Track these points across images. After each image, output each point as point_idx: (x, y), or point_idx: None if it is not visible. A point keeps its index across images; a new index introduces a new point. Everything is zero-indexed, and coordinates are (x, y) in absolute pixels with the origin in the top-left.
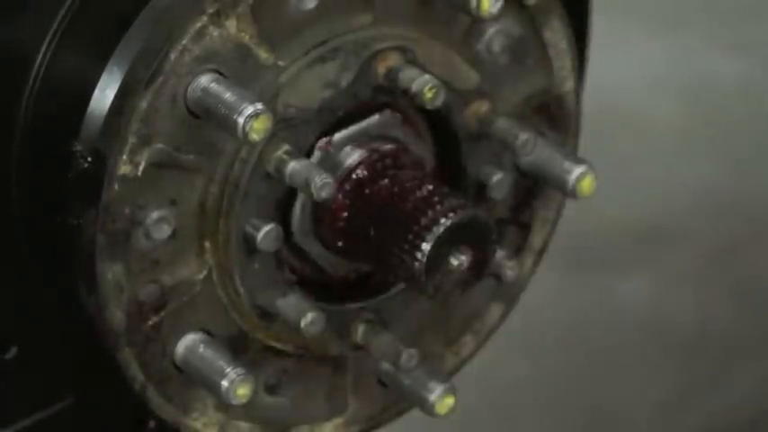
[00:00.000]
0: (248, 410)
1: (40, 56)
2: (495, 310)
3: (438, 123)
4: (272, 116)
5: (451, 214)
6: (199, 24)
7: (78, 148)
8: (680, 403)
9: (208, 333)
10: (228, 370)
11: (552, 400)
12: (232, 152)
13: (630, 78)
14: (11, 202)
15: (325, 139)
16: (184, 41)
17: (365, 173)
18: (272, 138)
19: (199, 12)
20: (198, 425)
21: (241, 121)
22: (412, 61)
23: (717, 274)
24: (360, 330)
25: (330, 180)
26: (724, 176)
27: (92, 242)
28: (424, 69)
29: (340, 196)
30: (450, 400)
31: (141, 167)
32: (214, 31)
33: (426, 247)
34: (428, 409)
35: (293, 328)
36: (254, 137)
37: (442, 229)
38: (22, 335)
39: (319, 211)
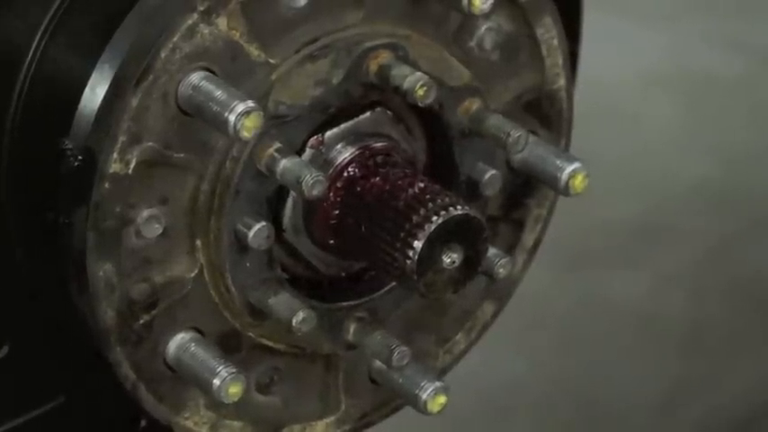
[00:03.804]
0: (240, 409)
1: (31, 53)
2: (488, 308)
3: (430, 121)
4: (263, 114)
5: (443, 212)
6: (189, 22)
7: (69, 146)
8: (676, 400)
9: (199, 331)
10: (220, 368)
11: (547, 398)
12: (223, 150)
13: (626, 75)
14: (1, 201)
15: (316, 137)
16: (175, 39)
17: (356, 170)
18: (263, 135)
19: (189, 9)
20: (190, 423)
21: (232, 118)
22: (403, 59)
23: (712, 271)
24: (352, 329)
25: (322, 178)
26: (720, 173)
27: (82, 241)
28: (416, 67)
29: (331, 194)
30: (442, 399)
31: (132, 165)
32: (205, 29)
33: (418, 244)
34: (420, 407)
35: (285, 327)
36: (246, 135)
37: (433, 226)
38: (14, 333)
39: (311, 208)
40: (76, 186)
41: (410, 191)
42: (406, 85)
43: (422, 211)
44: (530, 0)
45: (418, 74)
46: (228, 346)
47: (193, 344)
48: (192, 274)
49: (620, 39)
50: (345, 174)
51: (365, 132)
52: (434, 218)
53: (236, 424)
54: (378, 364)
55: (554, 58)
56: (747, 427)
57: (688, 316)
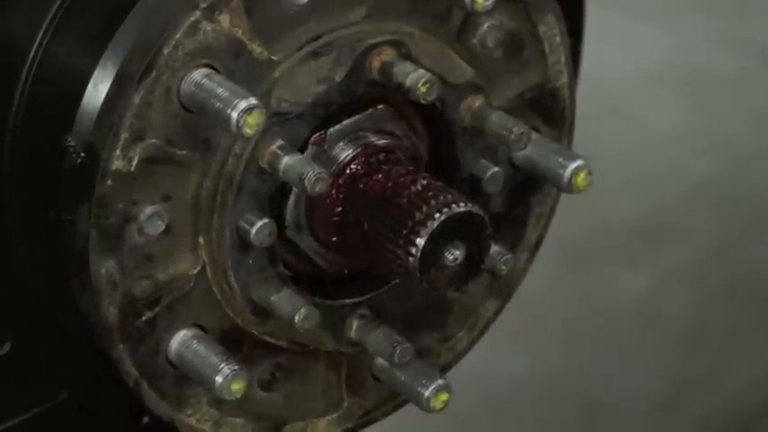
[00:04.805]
0: (242, 406)
1: (33, 51)
2: (490, 305)
3: (432, 118)
4: (265, 111)
5: (446, 209)
6: (192, 19)
7: (71, 143)
8: (678, 397)
9: (202, 328)
10: (222, 365)
11: (549, 395)
12: (226, 147)
13: (628, 72)
14: (4, 199)
15: (319, 134)
16: (177, 36)
17: (359, 167)
18: (265, 133)
19: (192, 6)
20: (192, 421)
21: (235, 115)
22: (406, 56)
23: (715, 269)
24: (354, 326)
25: (324, 175)
26: (722, 171)
27: (85, 238)
28: (418, 64)
29: (334, 191)
30: (444, 396)
31: (134, 162)
32: (207, 26)
33: (421, 242)
34: (423, 404)
35: (287, 324)
36: (248, 131)
37: (436, 224)
38: (16, 331)
39: (313, 206)
40: (79, 183)
41: (413, 188)
42: (409, 82)
43: (424, 209)
44: None
45: (421, 71)
46: (231, 342)
47: (196, 341)
48: (195, 272)
49: (622, 36)
50: (348, 171)
51: (367, 129)
52: (437, 215)
53: (239, 421)
54: (380, 361)
55: (556, 55)
56: (749, 424)
57: (690, 314)
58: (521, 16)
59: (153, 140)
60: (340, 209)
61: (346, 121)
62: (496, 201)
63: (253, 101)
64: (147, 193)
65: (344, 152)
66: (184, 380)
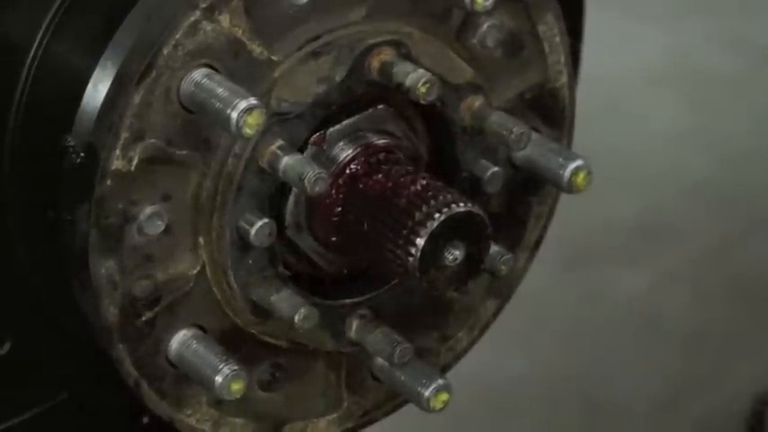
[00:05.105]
0: (242, 406)
1: (33, 50)
2: (490, 305)
3: (432, 118)
4: (265, 111)
5: (446, 209)
6: (192, 19)
7: (71, 143)
8: (678, 397)
9: (201, 328)
10: (222, 366)
11: (550, 396)
12: (226, 147)
13: (628, 72)
14: (4, 199)
15: (318, 134)
16: (177, 36)
17: (359, 167)
18: (265, 133)
19: (192, 6)
20: (192, 421)
21: (234, 115)
22: (406, 56)
23: (714, 269)
24: (354, 326)
25: (324, 175)
26: (721, 171)
27: (84, 238)
28: (418, 64)
29: (333, 191)
30: (444, 396)
31: (134, 162)
32: (207, 26)
33: (420, 242)
34: (423, 404)
35: (287, 324)
36: (248, 131)
37: (436, 224)
38: (16, 330)
39: (313, 206)
40: (79, 183)
41: (412, 188)
42: (409, 82)
43: (424, 208)
44: None
45: (420, 71)
46: (231, 342)
47: (195, 341)
48: (195, 272)
49: (622, 37)
50: (348, 171)
51: (367, 129)
52: (437, 215)
53: (239, 421)
54: (380, 361)
55: (556, 55)
56: (748, 424)
57: (689, 313)
58: (520, 16)
59: (153, 140)
60: (340, 209)
61: (346, 121)
62: (496, 201)
63: (253, 101)
64: (146, 193)
65: (344, 152)
66: (184, 380)
